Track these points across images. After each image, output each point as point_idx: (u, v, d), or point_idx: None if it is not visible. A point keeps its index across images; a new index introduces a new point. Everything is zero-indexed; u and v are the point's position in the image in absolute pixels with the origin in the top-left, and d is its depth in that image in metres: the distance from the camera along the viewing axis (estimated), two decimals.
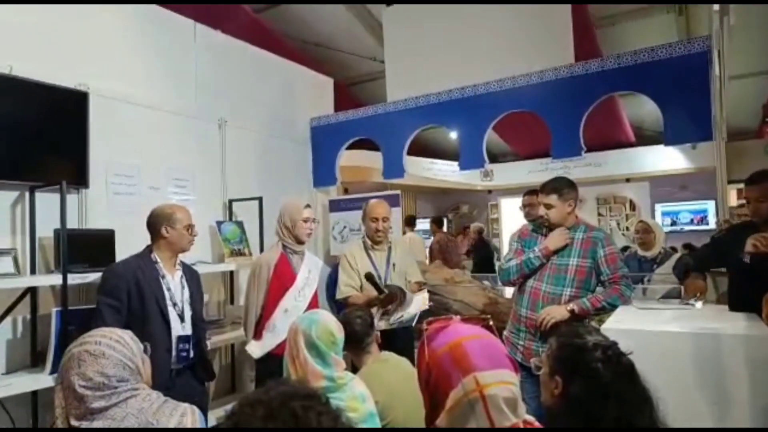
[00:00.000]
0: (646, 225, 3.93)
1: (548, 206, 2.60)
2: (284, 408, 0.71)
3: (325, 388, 1.73)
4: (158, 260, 2.47)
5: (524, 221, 3.32)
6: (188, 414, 1.37)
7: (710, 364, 1.94)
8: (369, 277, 2.95)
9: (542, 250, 2.60)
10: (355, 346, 2.23)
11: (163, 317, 2.38)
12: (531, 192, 3.71)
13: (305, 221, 2.88)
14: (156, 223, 2.47)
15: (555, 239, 2.58)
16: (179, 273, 2.55)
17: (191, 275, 2.64)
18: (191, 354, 2.50)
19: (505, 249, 7.15)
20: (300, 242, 2.92)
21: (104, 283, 2.35)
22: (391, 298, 2.92)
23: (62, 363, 1.34)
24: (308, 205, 2.94)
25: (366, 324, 2.25)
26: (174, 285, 2.49)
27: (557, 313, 2.47)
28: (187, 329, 2.48)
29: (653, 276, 3.68)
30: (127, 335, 1.42)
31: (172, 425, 1.31)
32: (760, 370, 1.87)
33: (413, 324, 3.00)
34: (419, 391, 1.16)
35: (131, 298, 2.32)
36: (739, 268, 2.25)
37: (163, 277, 2.46)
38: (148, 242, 2.52)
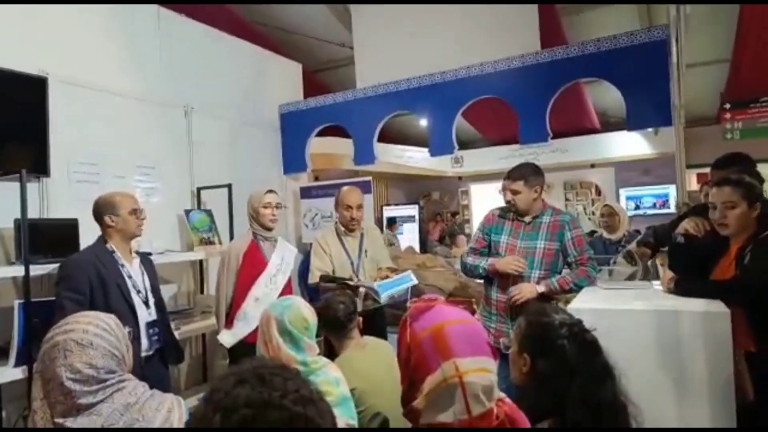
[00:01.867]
0: (611, 209, 4.04)
1: (515, 192, 2.64)
2: (253, 374, 0.76)
3: None
4: (114, 249, 2.43)
5: (494, 206, 3.35)
6: (175, 408, 1.33)
7: (670, 340, 2.02)
8: (330, 279, 2.95)
9: (490, 266, 2.63)
10: (337, 332, 2.24)
11: (128, 305, 2.35)
12: None
13: (266, 207, 2.87)
14: (100, 213, 2.43)
15: (505, 264, 2.58)
16: (137, 260, 2.53)
17: (146, 261, 2.62)
18: (161, 338, 2.50)
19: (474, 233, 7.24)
20: (267, 229, 2.90)
21: (64, 277, 2.29)
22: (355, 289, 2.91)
23: (44, 351, 1.27)
24: (271, 191, 2.93)
25: (349, 310, 2.25)
26: (134, 272, 2.47)
27: (527, 290, 2.52)
28: (153, 314, 2.47)
29: (618, 258, 3.78)
30: (113, 321, 1.36)
31: (158, 421, 1.27)
32: (717, 345, 1.95)
33: (408, 297, 2.99)
34: (397, 373, 1.17)
35: (93, 290, 2.28)
36: (675, 248, 2.35)
37: (123, 265, 2.43)
38: None
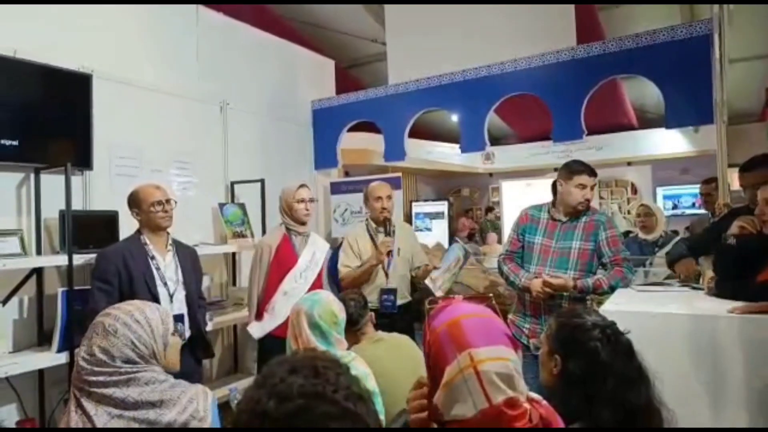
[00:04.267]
0: (648, 208, 3.94)
1: (592, 188, 2.59)
2: (308, 365, 0.77)
3: None
4: (147, 242, 2.48)
5: (525, 204, 3.28)
6: (199, 399, 1.35)
7: (707, 345, 1.97)
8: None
9: (524, 286, 2.58)
10: (349, 328, 2.22)
11: (152, 297, 2.37)
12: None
13: (300, 202, 2.90)
14: (129, 208, 2.52)
15: (535, 287, 2.52)
16: (171, 253, 2.56)
17: (186, 254, 2.64)
18: (186, 333, 2.52)
19: (506, 231, 7.17)
20: (301, 223, 2.94)
21: (96, 268, 2.40)
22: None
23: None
24: (303, 185, 2.95)
25: (360, 306, 2.26)
26: (164, 265, 2.50)
27: (559, 281, 2.46)
28: (176, 309, 2.48)
29: (655, 259, 3.69)
30: (156, 315, 1.39)
31: (175, 412, 1.29)
32: (755, 351, 1.89)
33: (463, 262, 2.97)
34: (419, 370, 1.17)
35: (122, 281, 2.36)
36: (724, 250, 2.27)
37: (153, 258, 2.47)
38: None
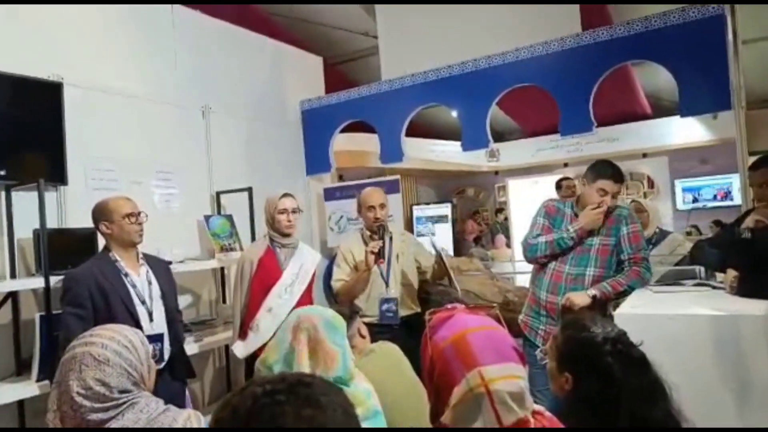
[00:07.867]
0: (639, 204, 3.92)
1: (615, 195, 2.60)
2: (280, 379, 0.79)
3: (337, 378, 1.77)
4: (117, 258, 2.43)
5: (533, 203, 3.29)
6: (193, 422, 1.38)
7: (729, 347, 1.98)
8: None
9: (578, 230, 2.60)
10: None
11: (131, 317, 2.34)
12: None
13: (281, 213, 2.86)
14: (95, 221, 2.45)
15: (591, 220, 2.57)
16: (144, 268, 2.52)
17: (159, 268, 2.60)
18: (165, 353, 2.48)
19: (514, 233, 7.17)
20: (284, 235, 2.92)
21: (65, 292, 2.32)
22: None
23: (62, 361, 1.33)
24: (286, 194, 2.91)
25: (345, 317, 2.24)
26: (140, 282, 2.46)
27: (579, 300, 2.48)
28: (156, 328, 2.45)
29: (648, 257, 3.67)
30: (137, 338, 1.40)
31: None
32: None
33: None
34: (410, 381, 1.17)
35: (95, 303, 2.30)
36: (740, 245, 2.31)
37: (126, 275, 2.42)
38: None
